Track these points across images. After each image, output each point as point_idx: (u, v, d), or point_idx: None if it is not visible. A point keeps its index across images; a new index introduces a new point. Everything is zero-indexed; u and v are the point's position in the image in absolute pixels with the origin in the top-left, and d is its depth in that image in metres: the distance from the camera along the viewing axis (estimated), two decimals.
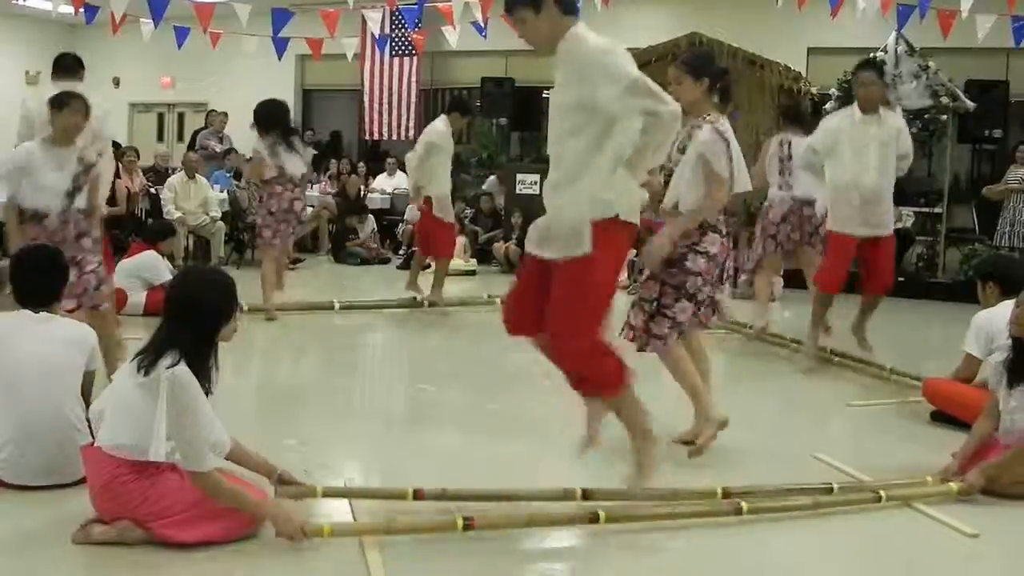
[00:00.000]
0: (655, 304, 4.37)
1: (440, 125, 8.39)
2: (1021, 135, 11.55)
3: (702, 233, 4.34)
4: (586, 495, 3.66)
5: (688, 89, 4.41)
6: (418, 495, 3.64)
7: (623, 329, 4.42)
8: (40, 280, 4.02)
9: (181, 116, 17.46)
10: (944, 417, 5.16)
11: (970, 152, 12.14)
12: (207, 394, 3.24)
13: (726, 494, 3.78)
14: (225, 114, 13.96)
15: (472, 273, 11.45)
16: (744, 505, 3.68)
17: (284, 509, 3.34)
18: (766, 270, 7.53)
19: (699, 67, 4.46)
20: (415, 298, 8.57)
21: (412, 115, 15.07)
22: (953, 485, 3.98)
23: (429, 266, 8.82)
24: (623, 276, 10.77)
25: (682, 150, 4.43)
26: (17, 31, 16.44)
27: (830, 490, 3.91)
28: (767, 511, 3.73)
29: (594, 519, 3.51)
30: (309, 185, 12.81)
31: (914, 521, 3.80)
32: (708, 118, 4.38)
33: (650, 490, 3.79)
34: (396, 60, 14.82)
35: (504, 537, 3.47)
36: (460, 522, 3.38)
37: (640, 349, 4.38)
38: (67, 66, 6.39)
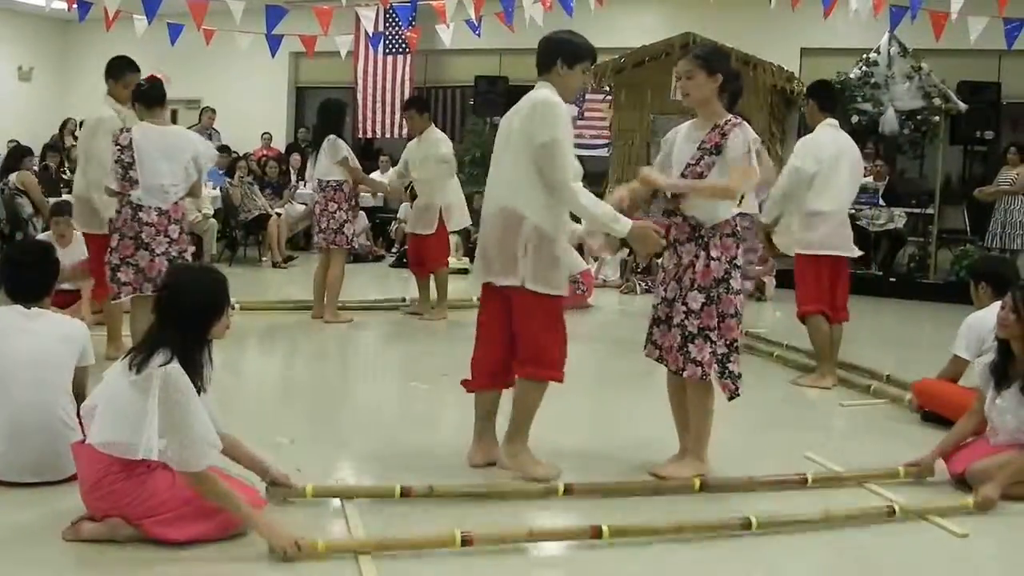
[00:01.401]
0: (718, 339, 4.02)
1: (409, 144, 8.33)
2: (1013, 137, 11.58)
3: (737, 246, 4.08)
4: (567, 490, 3.80)
5: (700, 85, 4.09)
6: (405, 493, 3.64)
7: (687, 366, 4.03)
8: (31, 275, 4.01)
9: (174, 113, 17.35)
10: (934, 417, 5.19)
11: (962, 153, 12.17)
12: (199, 392, 3.24)
13: (703, 486, 3.99)
14: (213, 111, 13.92)
15: (465, 272, 11.44)
16: (754, 520, 3.60)
17: (276, 524, 3.27)
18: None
19: (714, 62, 4.11)
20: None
21: None
22: (969, 500, 3.93)
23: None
24: (616, 276, 10.78)
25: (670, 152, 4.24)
26: (10, 27, 16.38)
27: (805, 480, 4.10)
28: (776, 525, 3.66)
29: (597, 534, 3.45)
30: (302, 183, 12.86)
31: (904, 521, 3.80)
32: (732, 121, 4.07)
33: (633, 484, 3.98)
34: (390, 58, 14.79)
35: (501, 548, 3.42)
36: (458, 537, 3.31)
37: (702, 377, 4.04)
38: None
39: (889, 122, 10.61)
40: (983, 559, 3.60)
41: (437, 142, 8.10)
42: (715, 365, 4.04)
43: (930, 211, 10.96)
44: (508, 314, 4.11)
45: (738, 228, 4.10)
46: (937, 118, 10.76)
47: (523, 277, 4.00)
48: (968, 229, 11.46)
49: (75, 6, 9.86)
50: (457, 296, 9.31)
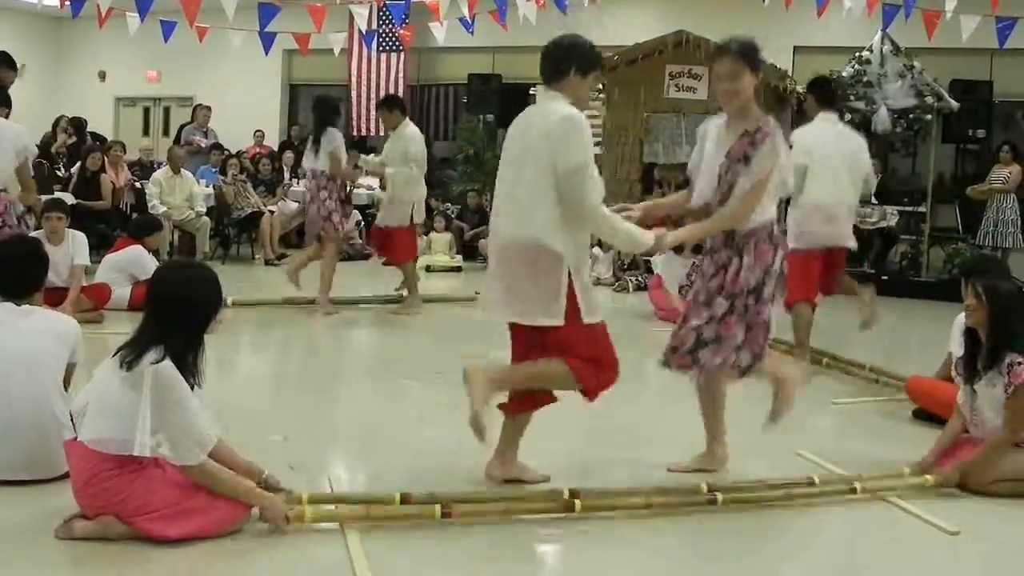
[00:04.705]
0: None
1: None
2: (1005, 135, 11.63)
3: (775, 251, 3.84)
4: (572, 495, 3.68)
5: (748, 86, 3.70)
6: (405, 499, 3.63)
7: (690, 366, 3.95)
8: (20, 271, 4.00)
9: (167, 110, 17.38)
10: (926, 415, 5.20)
11: (954, 152, 12.22)
12: (192, 388, 3.24)
13: (710, 489, 3.83)
14: (209, 108, 13.89)
15: (458, 269, 11.47)
16: (720, 496, 3.76)
17: (272, 497, 3.40)
18: None
19: (755, 58, 3.72)
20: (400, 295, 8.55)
21: None
22: (929, 477, 4.04)
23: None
24: (608, 274, 10.77)
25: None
26: (2, 23, 16.33)
27: (812, 483, 3.97)
28: (744, 502, 3.79)
29: (570, 508, 3.60)
30: (295, 181, 12.84)
31: (895, 519, 3.82)
32: (764, 130, 3.72)
33: (634, 489, 3.84)
34: (383, 55, 14.80)
35: (487, 528, 3.50)
36: (438, 511, 3.47)
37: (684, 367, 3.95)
38: None
39: (882, 120, 10.63)
40: (974, 557, 3.60)
41: (408, 139, 8.13)
42: (736, 374, 3.92)
43: (922, 209, 10.99)
44: (541, 349, 3.70)
45: (775, 232, 3.81)
46: (929, 116, 10.79)
47: (560, 314, 3.57)
48: (960, 227, 11.51)
49: (68, 3, 9.83)
50: (451, 293, 9.33)
